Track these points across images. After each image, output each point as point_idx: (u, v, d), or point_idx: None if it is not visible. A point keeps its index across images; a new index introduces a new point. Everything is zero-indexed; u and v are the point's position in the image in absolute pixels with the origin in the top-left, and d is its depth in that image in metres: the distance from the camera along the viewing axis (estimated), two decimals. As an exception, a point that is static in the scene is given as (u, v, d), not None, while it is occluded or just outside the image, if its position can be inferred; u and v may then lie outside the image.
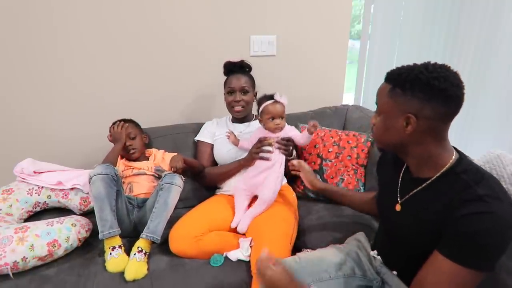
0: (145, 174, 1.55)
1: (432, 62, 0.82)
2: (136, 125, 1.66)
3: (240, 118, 1.65)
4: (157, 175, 1.58)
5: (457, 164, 0.83)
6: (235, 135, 1.59)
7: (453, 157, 0.84)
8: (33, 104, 1.69)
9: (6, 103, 1.65)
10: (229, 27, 1.83)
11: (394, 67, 0.87)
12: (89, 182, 1.29)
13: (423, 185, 0.87)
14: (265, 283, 0.91)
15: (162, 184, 1.36)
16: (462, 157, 0.85)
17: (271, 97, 1.43)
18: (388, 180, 1.01)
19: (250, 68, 1.64)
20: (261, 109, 1.44)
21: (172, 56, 1.80)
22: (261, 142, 1.46)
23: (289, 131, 1.50)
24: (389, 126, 0.85)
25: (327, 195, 1.32)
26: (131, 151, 1.58)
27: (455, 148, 0.88)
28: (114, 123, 1.61)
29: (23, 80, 1.64)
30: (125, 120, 1.63)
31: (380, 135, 0.90)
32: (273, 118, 1.43)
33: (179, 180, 1.39)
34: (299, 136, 1.49)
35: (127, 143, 1.57)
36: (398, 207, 0.94)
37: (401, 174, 0.96)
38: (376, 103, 0.89)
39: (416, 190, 0.89)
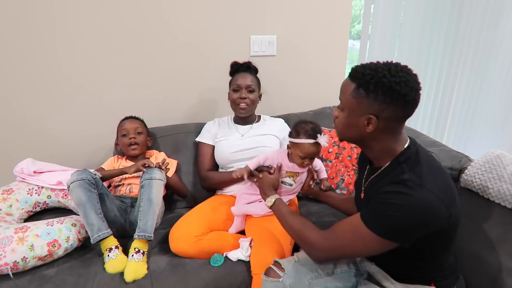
0: None
1: (395, 62, 0.87)
2: (145, 125, 1.68)
3: (243, 118, 1.64)
4: None
5: (402, 154, 0.90)
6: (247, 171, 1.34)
7: (404, 147, 0.91)
8: (33, 104, 1.69)
9: (6, 103, 1.65)
10: (229, 27, 1.83)
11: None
12: (68, 191, 1.27)
13: (376, 173, 0.95)
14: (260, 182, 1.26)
15: (143, 181, 1.34)
16: (410, 146, 0.92)
17: (313, 134, 1.21)
18: (359, 175, 1.09)
19: (256, 70, 1.65)
20: (296, 141, 1.23)
21: (172, 56, 1.80)
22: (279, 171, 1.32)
23: (315, 166, 1.37)
24: (351, 123, 0.90)
25: (320, 197, 1.36)
26: (133, 146, 1.57)
27: (410, 138, 0.94)
28: (125, 119, 1.64)
29: (23, 80, 1.64)
30: (135, 118, 1.66)
31: (342, 129, 0.95)
32: (304, 158, 1.26)
33: (158, 174, 1.36)
34: (320, 169, 1.38)
35: (130, 137, 1.57)
36: (362, 195, 1.02)
37: (368, 166, 1.03)
38: (340, 98, 0.93)
39: (371, 177, 0.97)
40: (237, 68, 1.61)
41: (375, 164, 0.97)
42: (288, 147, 1.29)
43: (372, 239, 0.84)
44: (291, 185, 1.32)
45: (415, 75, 0.86)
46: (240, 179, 1.48)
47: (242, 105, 1.57)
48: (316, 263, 1.02)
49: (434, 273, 0.95)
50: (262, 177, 1.26)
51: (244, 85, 1.56)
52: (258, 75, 1.65)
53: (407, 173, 0.84)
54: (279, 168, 1.30)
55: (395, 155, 0.91)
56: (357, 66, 0.90)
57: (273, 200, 1.16)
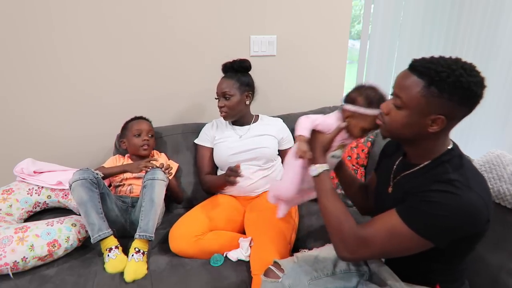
0: None
1: (459, 57, 0.81)
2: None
3: (238, 120, 1.63)
4: None
5: (446, 154, 0.87)
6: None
7: (447, 148, 0.88)
8: (33, 104, 1.69)
9: (6, 103, 1.65)
10: (229, 27, 1.83)
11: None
12: (70, 190, 1.27)
13: (413, 169, 0.91)
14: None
15: (145, 182, 1.35)
16: (453, 148, 0.89)
17: (374, 99, 0.99)
18: (385, 167, 1.05)
19: (244, 67, 1.58)
20: (366, 111, 0.98)
21: (172, 56, 1.80)
22: (231, 172, 1.31)
23: None
24: (412, 122, 0.83)
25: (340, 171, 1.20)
26: (144, 147, 1.58)
27: (452, 141, 0.91)
28: (137, 118, 1.65)
29: (23, 80, 1.64)
30: (146, 119, 1.67)
31: (395, 128, 0.87)
32: (368, 131, 1.03)
33: (161, 174, 1.36)
34: None
35: (143, 138, 1.58)
36: (390, 189, 0.98)
37: (397, 161, 1.00)
38: (397, 94, 0.84)
39: (405, 172, 0.93)
40: (223, 71, 1.59)
41: (411, 160, 0.93)
42: (347, 116, 1.02)
43: (410, 238, 0.81)
44: (339, 157, 1.10)
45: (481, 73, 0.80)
46: (230, 183, 1.36)
47: (221, 114, 1.56)
48: (340, 259, 0.96)
49: (444, 276, 0.93)
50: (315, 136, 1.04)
51: (219, 93, 1.54)
52: (257, 75, 1.64)
53: (452, 173, 0.81)
54: (340, 129, 1.02)
55: (438, 155, 0.87)
56: (421, 61, 0.81)
57: (321, 170, 0.97)
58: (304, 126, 1.03)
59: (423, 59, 0.82)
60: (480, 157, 1.27)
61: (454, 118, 0.82)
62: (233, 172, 1.33)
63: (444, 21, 2.20)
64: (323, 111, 1.99)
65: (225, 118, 1.58)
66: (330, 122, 1.04)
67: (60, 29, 1.60)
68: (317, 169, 0.98)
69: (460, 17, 2.12)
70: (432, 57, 0.81)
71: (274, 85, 2.01)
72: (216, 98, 1.57)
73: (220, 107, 1.55)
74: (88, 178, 1.27)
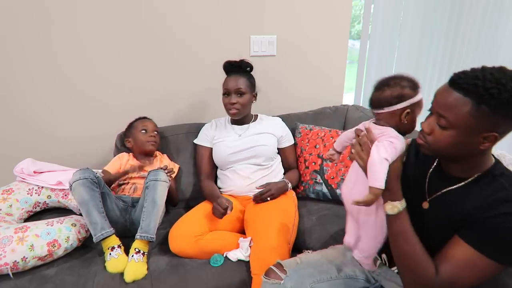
0: None
1: (502, 66, 0.76)
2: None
3: (239, 119, 1.63)
4: None
5: (494, 167, 0.82)
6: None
7: (493, 161, 0.83)
8: (33, 104, 1.69)
9: (6, 103, 1.65)
10: (229, 27, 1.83)
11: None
12: (70, 190, 1.27)
13: (458, 184, 0.84)
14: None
15: (147, 182, 1.35)
16: (498, 161, 0.84)
17: (414, 84, 0.90)
18: (412, 177, 0.95)
19: (250, 68, 1.61)
20: (417, 98, 0.89)
21: (171, 56, 1.80)
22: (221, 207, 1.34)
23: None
24: (461, 142, 0.77)
25: None
26: (151, 142, 1.61)
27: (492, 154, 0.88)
28: (143, 118, 1.68)
29: (23, 80, 1.64)
30: (147, 118, 1.70)
31: (443, 147, 0.79)
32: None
33: (163, 176, 1.37)
34: None
35: (150, 134, 1.62)
36: (425, 205, 0.91)
37: (429, 171, 0.92)
38: (440, 113, 0.77)
39: (449, 188, 0.86)
40: (229, 69, 1.59)
41: (451, 173, 0.86)
42: (406, 113, 0.90)
43: (494, 269, 0.76)
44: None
45: None
46: (215, 214, 1.39)
47: (232, 110, 1.54)
48: None
49: None
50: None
51: (233, 89, 1.53)
52: (257, 75, 1.64)
53: None
54: (408, 146, 0.93)
55: (486, 168, 0.82)
56: (465, 76, 0.74)
57: (401, 209, 0.84)
58: (384, 172, 0.83)
59: (465, 73, 0.75)
60: (480, 157, 1.27)
61: (506, 131, 0.76)
62: (222, 209, 1.34)
63: (444, 21, 2.20)
64: (323, 111, 1.99)
65: (234, 115, 1.56)
66: (400, 146, 0.89)
67: (59, 29, 1.60)
68: (395, 207, 0.84)
69: (460, 17, 2.12)
70: (474, 70, 0.75)
71: (274, 85, 2.01)
72: (225, 94, 1.55)
73: (232, 104, 1.53)
74: (88, 177, 1.27)
